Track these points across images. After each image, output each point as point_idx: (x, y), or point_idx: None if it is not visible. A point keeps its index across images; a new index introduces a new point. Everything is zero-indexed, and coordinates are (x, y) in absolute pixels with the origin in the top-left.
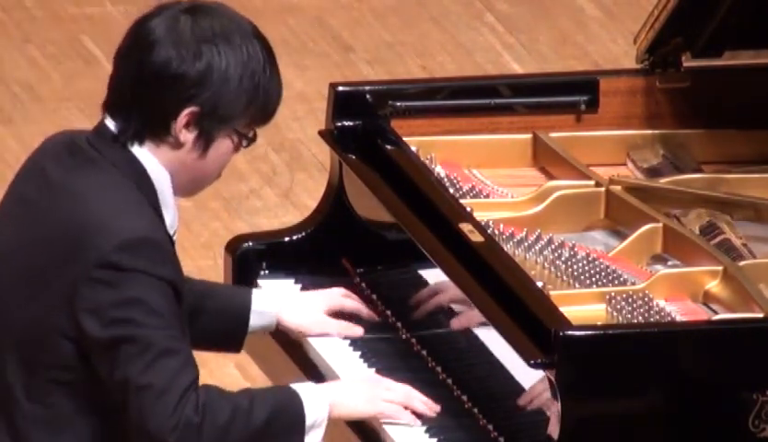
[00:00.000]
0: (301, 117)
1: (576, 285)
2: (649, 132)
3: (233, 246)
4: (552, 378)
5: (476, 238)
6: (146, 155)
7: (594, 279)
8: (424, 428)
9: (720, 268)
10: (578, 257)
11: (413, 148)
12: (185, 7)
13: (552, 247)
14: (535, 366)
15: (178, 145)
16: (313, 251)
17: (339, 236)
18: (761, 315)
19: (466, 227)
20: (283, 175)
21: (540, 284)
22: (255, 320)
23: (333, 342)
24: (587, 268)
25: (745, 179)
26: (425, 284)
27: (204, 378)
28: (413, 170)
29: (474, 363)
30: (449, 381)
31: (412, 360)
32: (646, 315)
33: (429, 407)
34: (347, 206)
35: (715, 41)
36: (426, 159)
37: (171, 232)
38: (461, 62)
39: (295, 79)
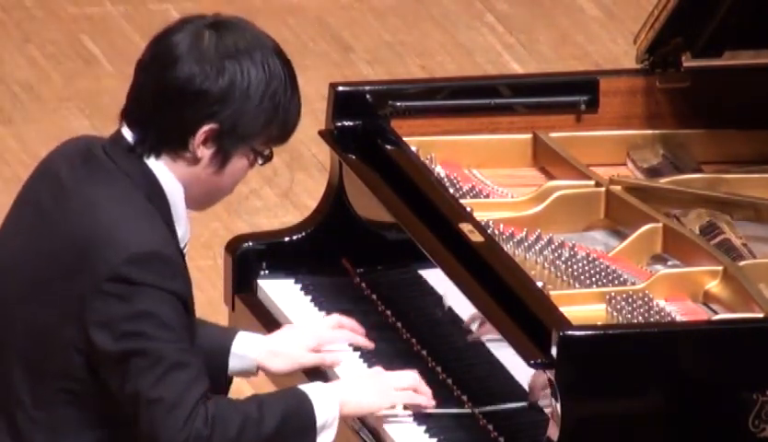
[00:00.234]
0: (301, 117)
1: (576, 285)
2: (649, 132)
3: (233, 246)
4: (552, 378)
5: (476, 238)
6: (162, 168)
7: (594, 279)
8: (424, 428)
9: (720, 268)
10: (578, 257)
11: (413, 148)
12: (209, 22)
13: (552, 247)
14: (535, 366)
15: (195, 160)
16: (313, 251)
17: (339, 236)
18: (761, 315)
19: (466, 227)
20: (283, 175)
21: (540, 284)
22: (235, 363)
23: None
24: (587, 268)
25: (745, 179)
26: (425, 284)
27: None
28: (413, 170)
29: (474, 363)
30: (449, 381)
31: (412, 360)
32: (646, 315)
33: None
34: (347, 206)
35: (715, 41)
36: (426, 159)
37: (183, 245)
38: (461, 62)
39: None
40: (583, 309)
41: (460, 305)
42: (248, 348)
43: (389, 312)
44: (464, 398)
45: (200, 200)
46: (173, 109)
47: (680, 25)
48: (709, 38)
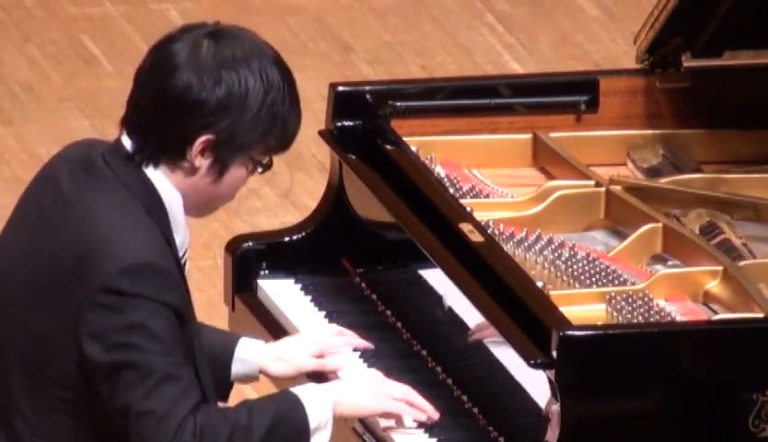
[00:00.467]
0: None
1: (576, 285)
2: (649, 132)
3: (233, 246)
4: (552, 378)
5: (476, 238)
6: (160, 177)
7: (594, 279)
8: (424, 428)
9: (720, 268)
10: (578, 257)
11: (413, 148)
12: (208, 31)
13: (552, 247)
14: (535, 366)
15: (192, 170)
16: (313, 251)
17: (339, 236)
18: (761, 315)
19: (466, 227)
20: (283, 175)
21: (540, 284)
22: (238, 368)
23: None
24: (587, 268)
25: (745, 179)
26: (425, 284)
27: None
28: (413, 170)
29: (474, 363)
30: (449, 381)
31: (412, 360)
32: (646, 315)
33: (429, 413)
34: (347, 206)
35: (715, 41)
36: (426, 159)
37: (181, 253)
38: (461, 62)
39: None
40: (583, 309)
41: (460, 305)
42: (251, 353)
43: (389, 312)
44: (464, 398)
45: (199, 208)
46: (171, 118)
47: (680, 25)
48: (709, 38)
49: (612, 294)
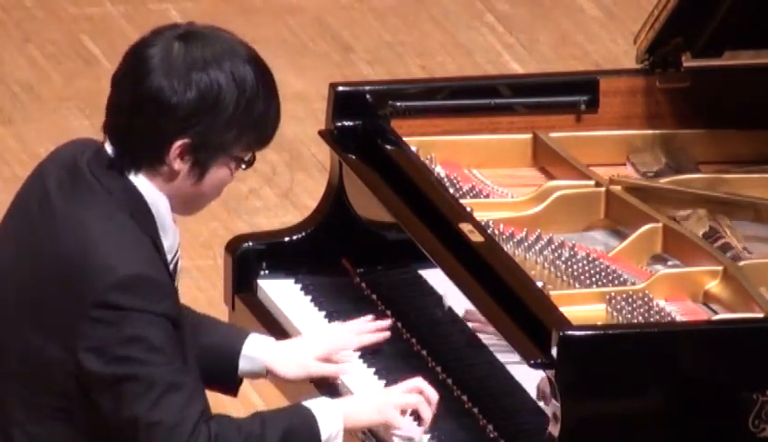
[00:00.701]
0: (301, 117)
1: (576, 285)
2: (649, 132)
3: (233, 246)
4: (552, 378)
5: (476, 238)
6: (143, 182)
7: (594, 279)
8: (424, 428)
9: (720, 268)
10: (578, 257)
11: (413, 148)
12: (179, 33)
13: (552, 247)
14: (535, 366)
15: (173, 174)
16: (313, 251)
17: (339, 236)
18: (761, 315)
19: (466, 227)
20: (283, 175)
21: (540, 284)
22: (244, 365)
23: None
24: (587, 268)
25: (745, 179)
26: (425, 284)
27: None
28: (413, 170)
29: (474, 363)
30: (449, 381)
31: (412, 360)
32: (646, 315)
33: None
34: (347, 206)
35: (715, 41)
36: (426, 159)
37: (170, 255)
38: (461, 62)
39: (295, 79)
40: (583, 309)
41: (460, 305)
42: (258, 350)
43: (389, 312)
44: (464, 398)
45: (186, 208)
46: (145, 123)
47: (680, 25)
48: (709, 38)
49: (612, 294)
